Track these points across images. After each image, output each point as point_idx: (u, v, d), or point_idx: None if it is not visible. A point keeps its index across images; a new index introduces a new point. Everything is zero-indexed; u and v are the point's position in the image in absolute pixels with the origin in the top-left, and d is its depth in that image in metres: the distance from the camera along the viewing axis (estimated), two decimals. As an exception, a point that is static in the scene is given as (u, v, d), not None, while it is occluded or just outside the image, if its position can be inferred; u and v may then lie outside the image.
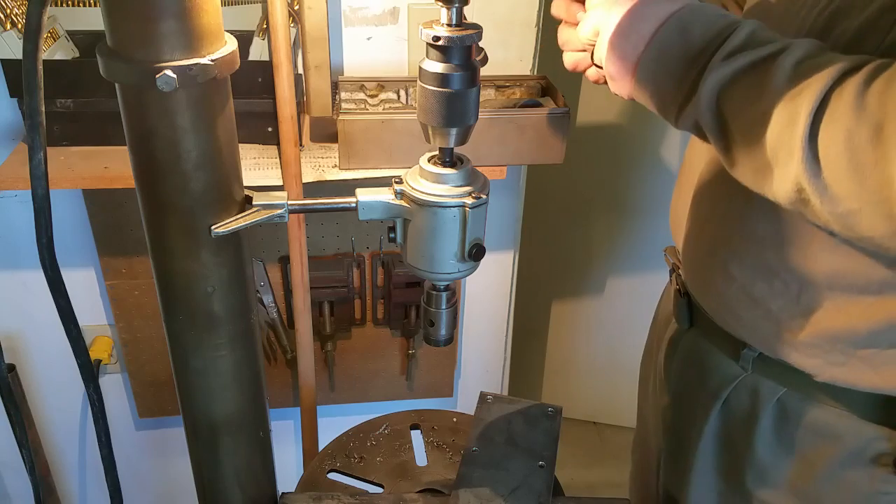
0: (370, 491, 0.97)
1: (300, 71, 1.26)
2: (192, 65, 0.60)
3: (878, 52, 0.61)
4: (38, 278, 0.70)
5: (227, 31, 0.65)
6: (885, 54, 0.59)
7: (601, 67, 0.76)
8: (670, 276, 1.01)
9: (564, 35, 0.87)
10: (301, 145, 1.26)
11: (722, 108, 0.64)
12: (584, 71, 0.88)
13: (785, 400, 0.82)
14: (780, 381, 0.82)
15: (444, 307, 0.82)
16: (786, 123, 0.59)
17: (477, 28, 0.67)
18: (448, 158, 0.74)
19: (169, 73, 0.58)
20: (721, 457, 0.90)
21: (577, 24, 0.81)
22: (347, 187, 0.92)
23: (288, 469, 1.80)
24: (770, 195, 0.63)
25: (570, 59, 0.88)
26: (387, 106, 1.32)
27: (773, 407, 0.83)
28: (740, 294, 0.82)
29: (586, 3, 0.79)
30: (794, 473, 0.83)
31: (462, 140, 0.72)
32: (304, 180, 1.26)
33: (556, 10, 0.87)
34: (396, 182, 0.75)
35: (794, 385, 0.81)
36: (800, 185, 0.59)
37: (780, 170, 0.60)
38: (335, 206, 0.75)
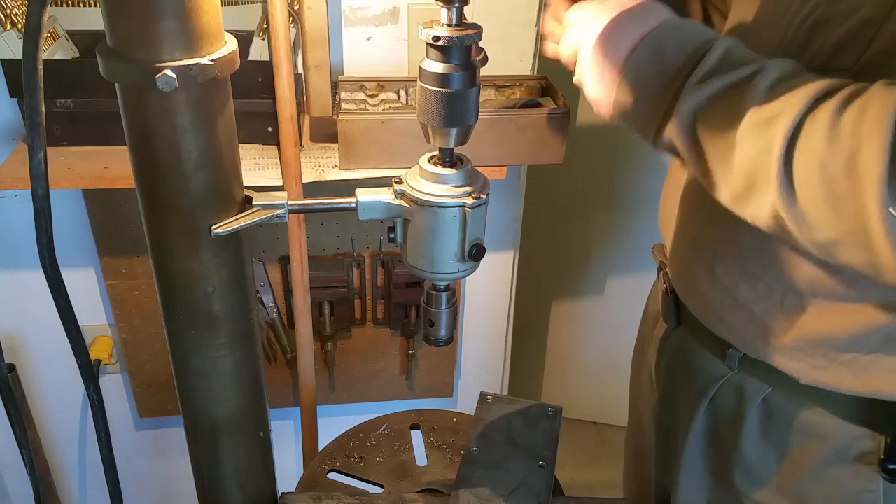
0: (370, 491, 0.97)
1: (300, 71, 1.26)
2: (192, 65, 0.60)
3: (857, 67, 0.61)
4: (38, 278, 0.70)
5: (227, 31, 0.65)
6: (862, 69, 0.59)
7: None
8: (658, 274, 1.01)
9: (548, 27, 0.87)
10: (301, 145, 1.26)
11: (698, 133, 0.64)
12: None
13: (771, 399, 0.83)
14: (765, 380, 0.82)
15: (444, 307, 0.82)
16: (761, 150, 0.59)
17: (477, 28, 0.67)
18: (448, 158, 0.74)
19: (169, 73, 0.58)
20: (709, 454, 0.91)
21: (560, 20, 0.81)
22: (347, 187, 0.92)
23: (288, 469, 1.80)
24: (750, 220, 0.63)
25: (550, 49, 0.88)
26: (387, 106, 1.32)
27: (758, 406, 0.83)
28: (724, 296, 0.82)
29: (564, 19, 0.78)
30: (781, 471, 0.84)
31: (462, 140, 0.72)
32: (304, 180, 1.26)
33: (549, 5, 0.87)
34: (396, 182, 0.74)
35: (779, 385, 0.81)
36: (777, 213, 0.59)
37: (757, 196, 0.60)
38: (335, 206, 0.75)
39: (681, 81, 0.65)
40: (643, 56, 0.68)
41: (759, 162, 0.59)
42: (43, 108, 0.62)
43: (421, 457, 1.05)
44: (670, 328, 0.96)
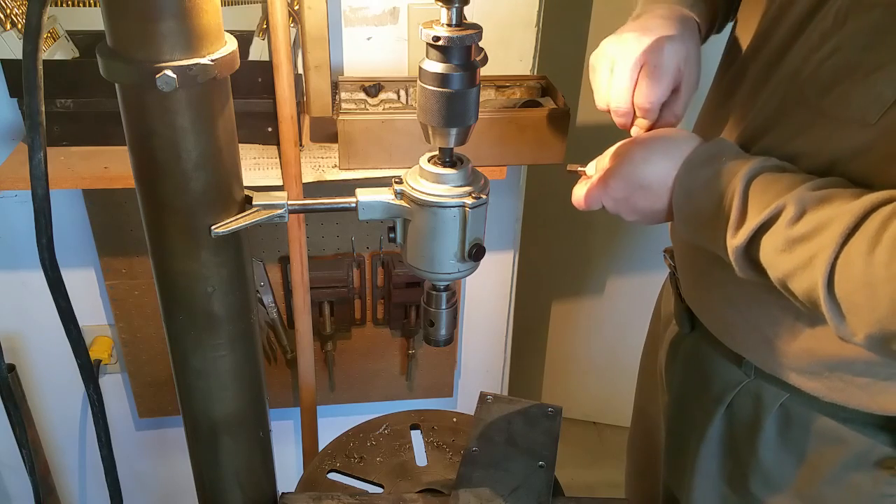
0: (370, 491, 0.97)
1: (300, 71, 1.26)
2: (192, 65, 0.60)
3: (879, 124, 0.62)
4: (38, 278, 0.70)
5: (227, 31, 0.65)
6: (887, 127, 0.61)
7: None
8: (671, 279, 1.01)
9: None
10: (301, 145, 1.26)
11: (758, 267, 0.70)
12: None
13: (788, 405, 0.82)
14: (782, 386, 0.82)
15: (443, 307, 0.82)
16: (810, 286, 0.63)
17: (477, 28, 0.67)
18: (448, 158, 0.74)
19: (169, 73, 0.58)
20: (724, 461, 0.90)
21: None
22: (347, 187, 0.92)
23: (288, 469, 1.80)
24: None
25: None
26: (387, 106, 1.32)
27: (776, 412, 0.83)
28: (738, 317, 0.82)
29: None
30: (799, 477, 0.83)
31: (462, 140, 0.72)
32: (304, 180, 1.26)
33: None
34: (396, 182, 0.74)
35: (796, 391, 0.81)
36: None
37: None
38: (335, 206, 0.75)
39: (722, 226, 0.71)
40: (679, 201, 0.76)
41: (812, 294, 0.64)
42: (43, 108, 0.62)
43: (421, 457, 1.05)
44: (683, 332, 0.95)
